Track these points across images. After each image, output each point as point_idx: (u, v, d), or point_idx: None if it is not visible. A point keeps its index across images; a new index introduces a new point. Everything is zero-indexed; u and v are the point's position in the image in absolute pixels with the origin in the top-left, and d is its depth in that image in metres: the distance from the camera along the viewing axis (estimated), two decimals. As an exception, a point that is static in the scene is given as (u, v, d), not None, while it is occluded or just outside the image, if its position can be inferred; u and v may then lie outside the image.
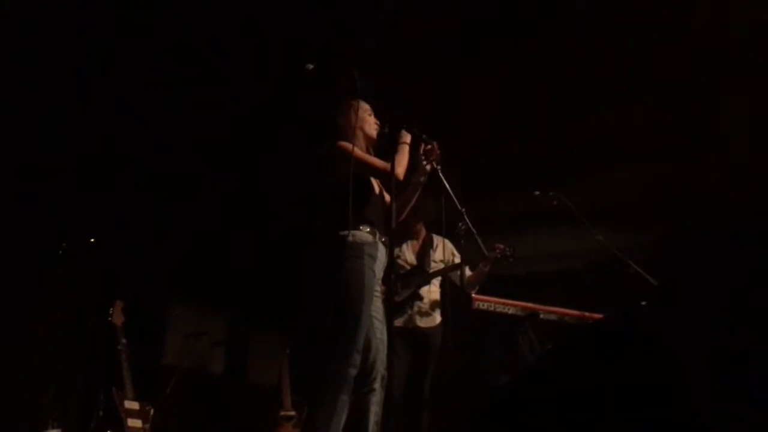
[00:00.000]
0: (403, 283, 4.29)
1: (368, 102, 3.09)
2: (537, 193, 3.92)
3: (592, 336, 1.48)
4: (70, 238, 4.18)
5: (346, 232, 2.68)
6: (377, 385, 2.77)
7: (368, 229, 2.79)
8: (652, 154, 4.54)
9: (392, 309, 4.00)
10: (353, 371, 2.63)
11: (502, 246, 4.03)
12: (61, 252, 4.05)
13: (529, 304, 4.03)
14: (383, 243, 2.82)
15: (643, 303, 1.43)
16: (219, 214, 5.14)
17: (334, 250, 2.70)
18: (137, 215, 4.70)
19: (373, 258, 2.74)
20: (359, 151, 2.84)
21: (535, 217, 4.53)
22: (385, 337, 2.73)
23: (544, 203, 3.92)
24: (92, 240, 4.19)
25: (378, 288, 2.87)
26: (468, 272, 4.25)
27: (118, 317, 4.08)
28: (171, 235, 5.03)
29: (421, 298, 4.30)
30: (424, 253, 4.44)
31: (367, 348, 2.74)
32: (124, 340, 4.02)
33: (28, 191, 4.33)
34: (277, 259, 5.40)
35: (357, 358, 2.64)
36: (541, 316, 3.99)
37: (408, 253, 4.45)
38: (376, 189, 2.94)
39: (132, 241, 4.70)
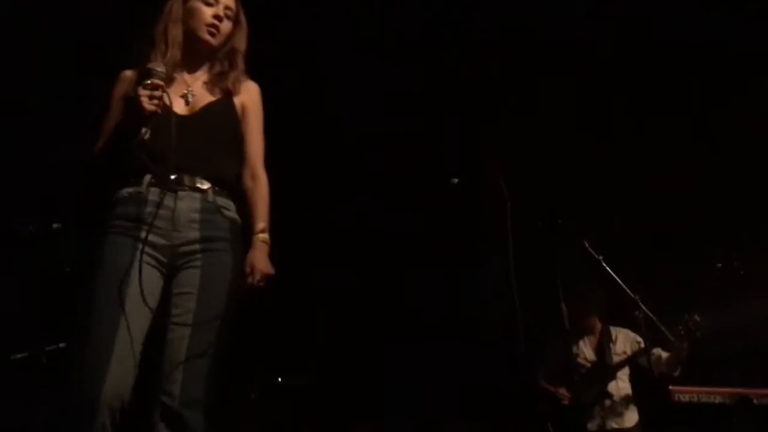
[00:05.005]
0: (586, 383, 4.06)
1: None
2: (719, 265, 3.62)
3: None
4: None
5: None
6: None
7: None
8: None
9: (581, 412, 3.79)
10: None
11: (686, 315, 3.69)
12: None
13: (738, 389, 3.69)
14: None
15: None
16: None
17: None
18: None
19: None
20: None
21: (722, 290, 4.15)
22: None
23: (729, 274, 3.60)
24: None
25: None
26: (663, 354, 3.91)
27: None
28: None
29: (610, 396, 4.02)
30: (603, 347, 4.21)
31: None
32: None
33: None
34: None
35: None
36: (755, 401, 3.64)
37: (586, 350, 4.24)
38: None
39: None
